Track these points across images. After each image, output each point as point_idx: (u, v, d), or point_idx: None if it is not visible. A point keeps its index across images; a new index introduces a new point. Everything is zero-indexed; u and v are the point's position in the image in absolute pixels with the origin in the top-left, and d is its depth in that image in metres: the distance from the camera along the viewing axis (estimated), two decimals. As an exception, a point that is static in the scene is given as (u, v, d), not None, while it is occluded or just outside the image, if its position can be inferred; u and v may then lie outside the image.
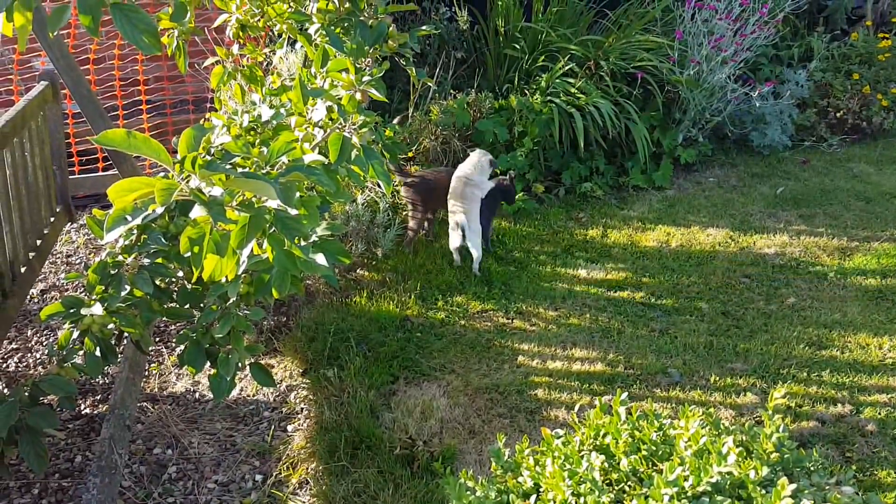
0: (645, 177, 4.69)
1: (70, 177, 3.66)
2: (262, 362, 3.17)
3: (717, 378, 2.98)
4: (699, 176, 4.99)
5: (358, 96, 1.84)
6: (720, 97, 4.86)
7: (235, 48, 2.73)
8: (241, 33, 2.72)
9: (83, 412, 2.84)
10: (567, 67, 4.61)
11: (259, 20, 2.71)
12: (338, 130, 1.69)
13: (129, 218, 1.32)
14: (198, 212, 1.32)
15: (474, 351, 3.16)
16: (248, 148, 1.51)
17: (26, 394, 2.08)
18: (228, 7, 2.64)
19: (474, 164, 3.80)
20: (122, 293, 2.07)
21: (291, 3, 2.44)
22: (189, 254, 1.33)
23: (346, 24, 2.13)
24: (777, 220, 4.36)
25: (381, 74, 1.97)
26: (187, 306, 2.25)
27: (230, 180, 1.30)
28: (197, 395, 2.95)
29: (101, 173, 4.43)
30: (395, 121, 4.31)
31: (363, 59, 2.00)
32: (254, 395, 2.96)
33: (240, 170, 1.52)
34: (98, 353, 2.10)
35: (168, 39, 2.62)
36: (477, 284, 3.64)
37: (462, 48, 5.11)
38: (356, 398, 2.82)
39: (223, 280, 1.79)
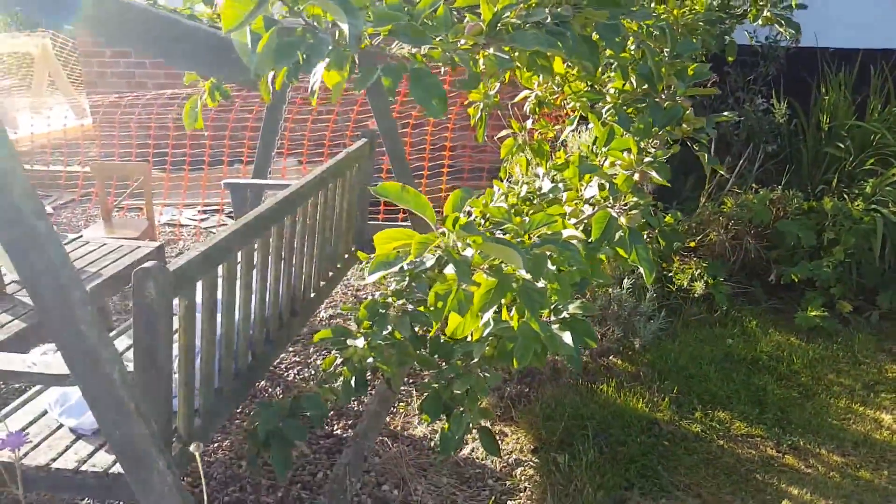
0: None
1: (372, 222, 4.11)
2: (497, 428, 3.15)
3: None
4: None
5: (636, 177, 1.74)
6: None
7: (529, 122, 2.83)
8: (537, 109, 2.82)
9: (334, 432, 3.09)
10: (903, 174, 3.93)
11: (557, 97, 2.79)
12: (607, 209, 1.61)
13: (389, 264, 1.39)
14: (450, 269, 1.35)
15: (729, 479, 2.74)
16: (510, 215, 1.51)
17: (287, 405, 2.31)
18: (531, 84, 2.76)
19: None
20: (384, 332, 2.22)
21: (589, 82, 2.46)
22: (433, 307, 1.35)
23: (640, 105, 2.06)
24: None
25: (666, 157, 1.86)
26: (436, 357, 2.34)
27: (482, 243, 1.30)
28: (433, 443, 3.01)
29: (400, 223, 4.93)
30: None
31: (649, 141, 1.91)
32: (481, 460, 2.93)
33: (499, 235, 1.52)
34: (353, 382, 2.28)
35: (473, 111, 2.82)
36: (746, 403, 3.19)
37: (774, 142, 4.68)
38: (583, 494, 2.62)
39: (469, 339, 1.81)
